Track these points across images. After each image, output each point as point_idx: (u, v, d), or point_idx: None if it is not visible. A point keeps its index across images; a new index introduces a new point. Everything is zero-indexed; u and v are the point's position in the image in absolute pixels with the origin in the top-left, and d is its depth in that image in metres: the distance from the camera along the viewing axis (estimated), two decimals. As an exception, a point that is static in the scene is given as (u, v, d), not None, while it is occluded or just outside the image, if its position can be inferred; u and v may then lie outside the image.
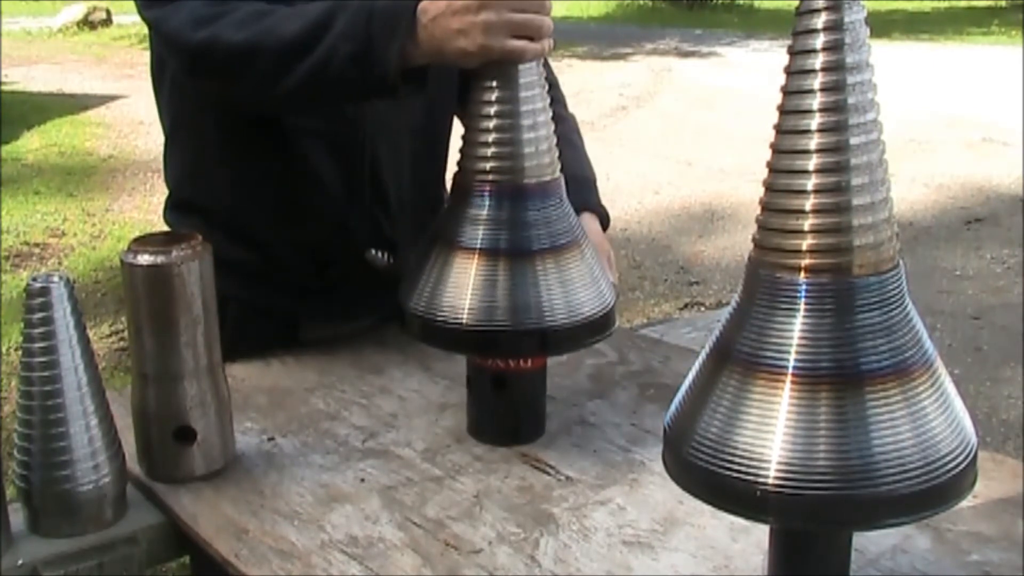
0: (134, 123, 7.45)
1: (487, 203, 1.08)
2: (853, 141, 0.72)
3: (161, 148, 1.44)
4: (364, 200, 1.30)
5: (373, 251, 1.32)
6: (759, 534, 0.91)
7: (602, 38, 12.12)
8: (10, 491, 0.98)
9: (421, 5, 1.08)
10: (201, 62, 1.18)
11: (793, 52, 0.73)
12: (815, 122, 0.72)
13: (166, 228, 1.38)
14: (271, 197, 1.33)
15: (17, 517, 0.99)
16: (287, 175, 1.31)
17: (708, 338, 0.80)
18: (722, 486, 0.75)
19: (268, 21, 1.13)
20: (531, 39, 1.07)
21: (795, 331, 0.73)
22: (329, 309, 1.41)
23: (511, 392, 1.14)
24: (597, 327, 1.10)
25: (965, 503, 0.79)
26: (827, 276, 0.73)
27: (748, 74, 9.34)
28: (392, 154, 1.36)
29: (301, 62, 1.11)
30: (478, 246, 1.08)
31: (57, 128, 7.59)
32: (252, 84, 1.17)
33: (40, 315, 0.95)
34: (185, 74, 1.23)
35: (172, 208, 1.43)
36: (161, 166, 1.46)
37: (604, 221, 1.43)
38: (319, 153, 1.31)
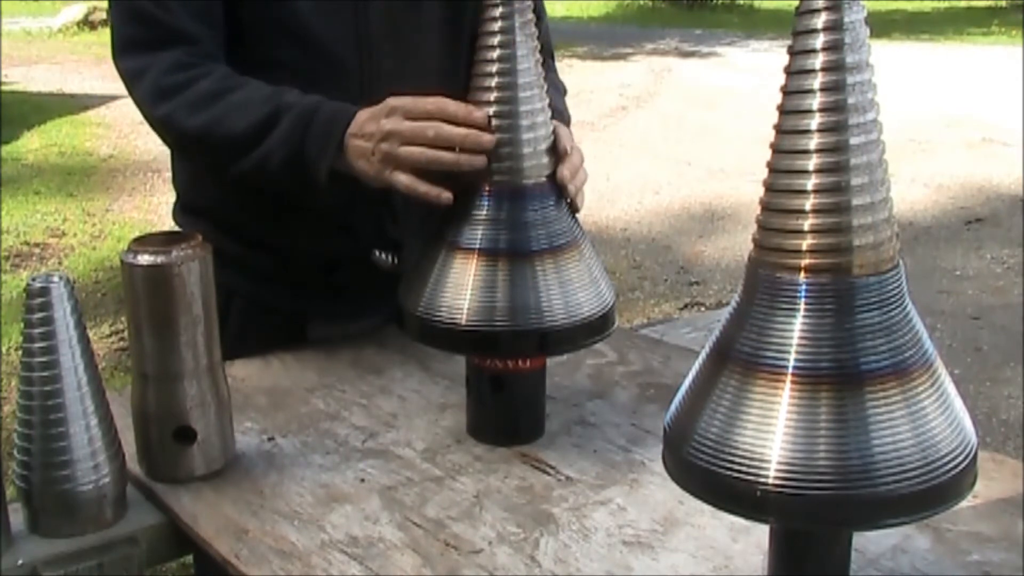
0: (134, 123, 7.42)
1: (486, 203, 1.08)
2: (853, 141, 0.72)
3: (162, 148, 1.45)
4: (368, 201, 1.30)
5: (378, 252, 1.33)
6: (759, 534, 0.91)
7: (602, 38, 12.13)
8: (10, 491, 0.98)
9: (355, 117, 1.15)
10: (160, 133, 1.28)
11: (793, 52, 0.73)
12: (815, 122, 0.72)
13: (165, 228, 1.38)
14: (277, 198, 1.33)
15: (17, 517, 0.99)
16: None
17: (708, 338, 0.80)
18: (722, 486, 0.75)
19: (220, 108, 1.20)
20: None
21: (795, 331, 0.73)
22: (335, 309, 1.42)
23: (510, 392, 1.14)
24: (596, 327, 1.10)
25: (965, 503, 0.79)
26: (827, 276, 0.73)
27: (748, 74, 9.35)
28: None
29: (245, 157, 1.19)
30: (477, 246, 1.08)
31: (57, 128, 7.59)
32: (205, 163, 1.30)
33: (40, 315, 0.95)
34: None
35: (181, 211, 1.44)
36: (160, 167, 1.47)
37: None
38: None
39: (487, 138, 1.07)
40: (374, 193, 1.31)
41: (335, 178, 1.17)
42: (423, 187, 1.12)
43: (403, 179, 1.12)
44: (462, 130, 1.08)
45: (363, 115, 1.15)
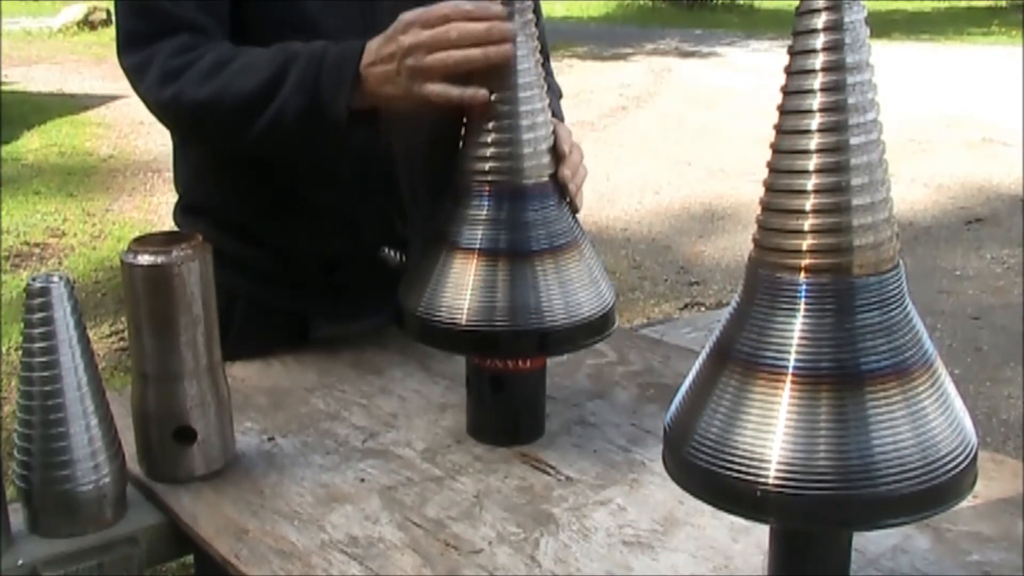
0: (134, 123, 7.44)
1: (486, 203, 1.08)
2: (853, 141, 0.72)
3: (162, 148, 1.46)
4: (376, 198, 1.30)
5: (386, 249, 1.32)
6: (759, 534, 0.91)
7: (602, 38, 12.13)
8: (10, 491, 0.98)
9: (365, 48, 1.12)
10: (169, 117, 1.24)
11: (793, 52, 0.73)
12: (815, 122, 0.72)
13: (165, 228, 1.38)
14: (280, 197, 1.33)
15: (17, 517, 0.99)
16: (297, 175, 1.31)
17: (708, 338, 0.80)
18: (722, 486, 0.75)
19: (227, 75, 1.18)
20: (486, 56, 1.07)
21: (795, 331, 0.73)
22: (336, 309, 1.42)
23: (510, 393, 1.14)
24: (596, 328, 1.10)
25: (965, 503, 0.79)
26: (827, 276, 0.73)
27: (748, 74, 9.35)
28: (406, 150, 1.35)
29: (259, 116, 1.16)
30: (477, 246, 1.08)
31: (57, 128, 7.58)
32: (217, 135, 1.25)
33: (40, 315, 0.95)
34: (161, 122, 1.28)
35: (181, 211, 1.43)
36: (161, 167, 1.48)
37: None
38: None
39: (510, 26, 1.07)
40: (382, 190, 1.30)
41: (355, 121, 1.15)
42: (456, 91, 1.10)
43: (435, 88, 1.10)
44: (483, 24, 1.07)
45: (375, 42, 1.13)
